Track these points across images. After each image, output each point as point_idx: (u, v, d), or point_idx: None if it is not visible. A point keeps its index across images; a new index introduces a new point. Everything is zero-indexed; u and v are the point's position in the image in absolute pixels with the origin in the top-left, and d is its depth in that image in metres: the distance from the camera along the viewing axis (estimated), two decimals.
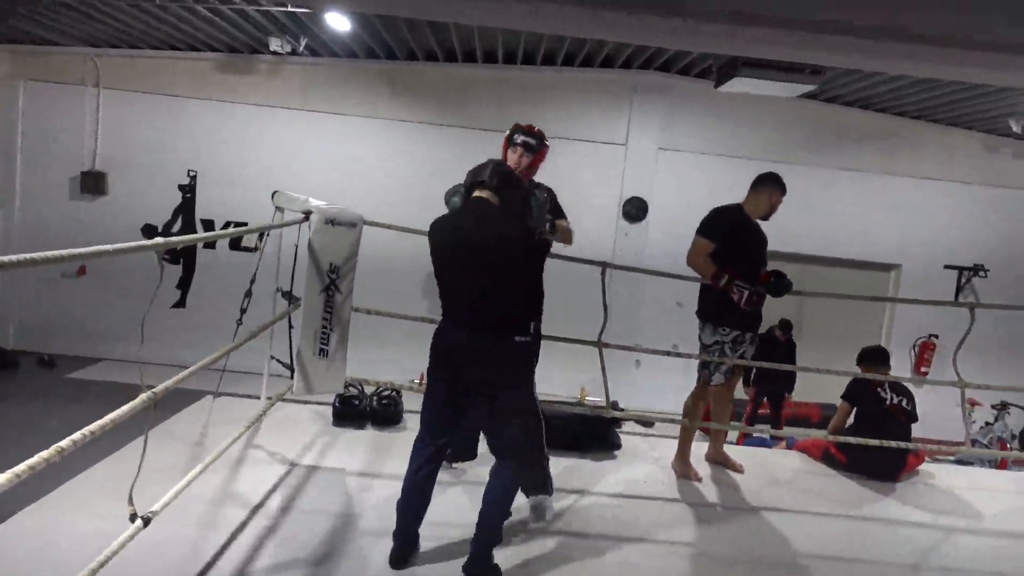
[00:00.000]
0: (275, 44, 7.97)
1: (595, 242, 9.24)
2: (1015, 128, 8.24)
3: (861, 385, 4.63)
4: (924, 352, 9.75)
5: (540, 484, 3.26)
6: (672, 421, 4.49)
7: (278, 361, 4.46)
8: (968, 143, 9.54)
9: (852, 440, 4.30)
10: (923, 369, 9.73)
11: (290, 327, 4.08)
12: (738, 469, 4.45)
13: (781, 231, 9.52)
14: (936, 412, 9.52)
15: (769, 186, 4.23)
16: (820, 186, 9.52)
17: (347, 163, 9.16)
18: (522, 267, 2.86)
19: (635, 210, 9.45)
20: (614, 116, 9.34)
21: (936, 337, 9.68)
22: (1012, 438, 8.65)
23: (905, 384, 4.71)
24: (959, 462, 8.62)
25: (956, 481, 4.87)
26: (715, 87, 6.75)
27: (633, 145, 9.39)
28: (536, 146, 3.72)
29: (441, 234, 2.90)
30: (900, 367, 9.73)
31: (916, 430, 8.60)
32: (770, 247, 4.27)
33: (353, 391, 4.55)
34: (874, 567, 3.48)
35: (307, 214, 3.53)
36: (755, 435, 7.64)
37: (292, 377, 3.70)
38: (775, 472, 4.58)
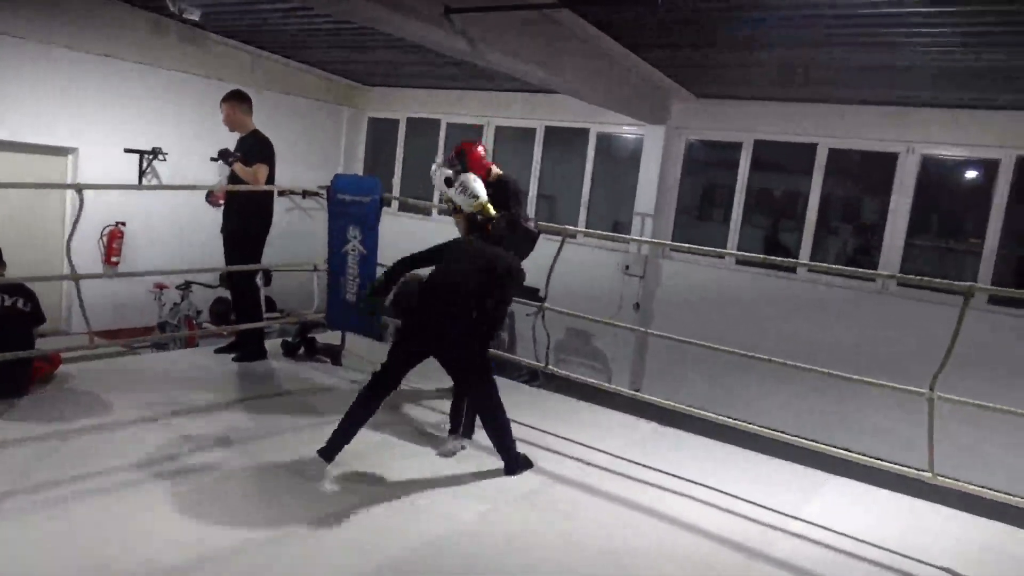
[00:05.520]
0: None
1: None
2: (172, 8, 8.21)
3: None
4: (112, 241, 9.36)
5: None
6: None
7: None
8: (137, 21, 9.18)
9: None
10: (114, 259, 9.37)
11: None
12: None
13: None
14: (135, 300, 9.47)
15: None
16: None
17: None
18: None
19: None
20: None
21: (124, 224, 9.40)
22: (197, 314, 9.20)
23: (23, 283, 4.09)
24: (156, 346, 8.76)
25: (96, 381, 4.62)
26: None
27: None
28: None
29: None
30: (90, 259, 9.18)
31: (109, 318, 8.17)
32: None
33: None
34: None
35: None
36: None
37: None
38: None
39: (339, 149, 12.00)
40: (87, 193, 8.86)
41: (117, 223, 9.32)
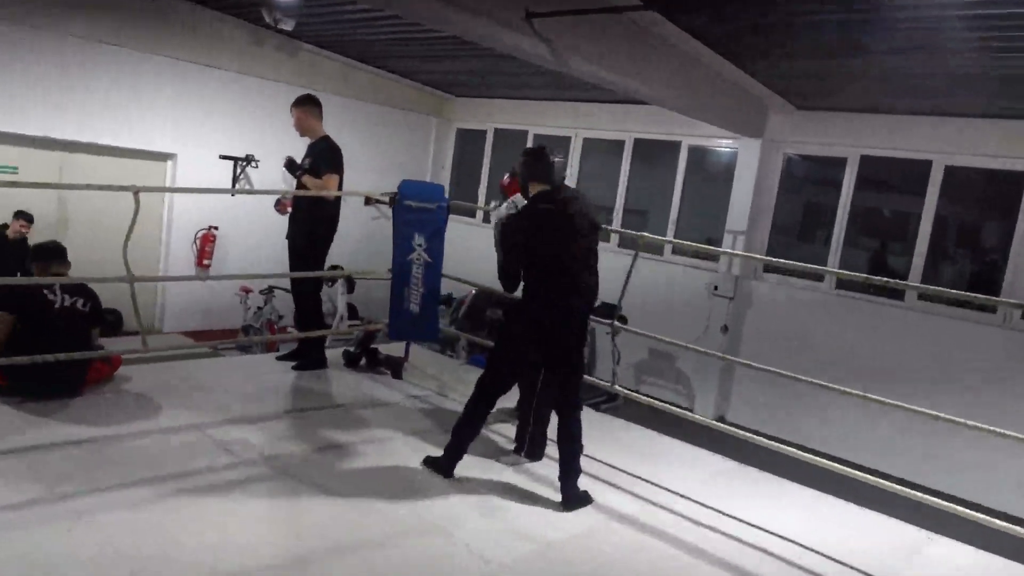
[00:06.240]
0: None
1: None
2: (267, 19, 8.37)
3: (23, 290, 3.85)
4: (205, 244, 9.65)
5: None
6: None
7: None
8: (236, 32, 9.47)
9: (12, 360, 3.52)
10: (205, 262, 9.66)
11: None
12: None
13: (24, 114, 8.07)
14: (223, 303, 9.74)
15: None
16: (69, 60, 8.23)
17: None
18: None
19: None
20: None
21: (216, 228, 9.67)
22: (279, 318, 9.33)
23: (84, 283, 4.11)
24: (240, 348, 8.94)
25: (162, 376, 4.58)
26: None
27: None
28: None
29: None
30: (183, 261, 9.52)
31: (199, 320, 8.21)
32: None
33: None
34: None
35: None
36: None
37: None
38: None
39: (427, 159, 12.02)
40: (182, 197, 9.37)
41: (210, 227, 9.60)
